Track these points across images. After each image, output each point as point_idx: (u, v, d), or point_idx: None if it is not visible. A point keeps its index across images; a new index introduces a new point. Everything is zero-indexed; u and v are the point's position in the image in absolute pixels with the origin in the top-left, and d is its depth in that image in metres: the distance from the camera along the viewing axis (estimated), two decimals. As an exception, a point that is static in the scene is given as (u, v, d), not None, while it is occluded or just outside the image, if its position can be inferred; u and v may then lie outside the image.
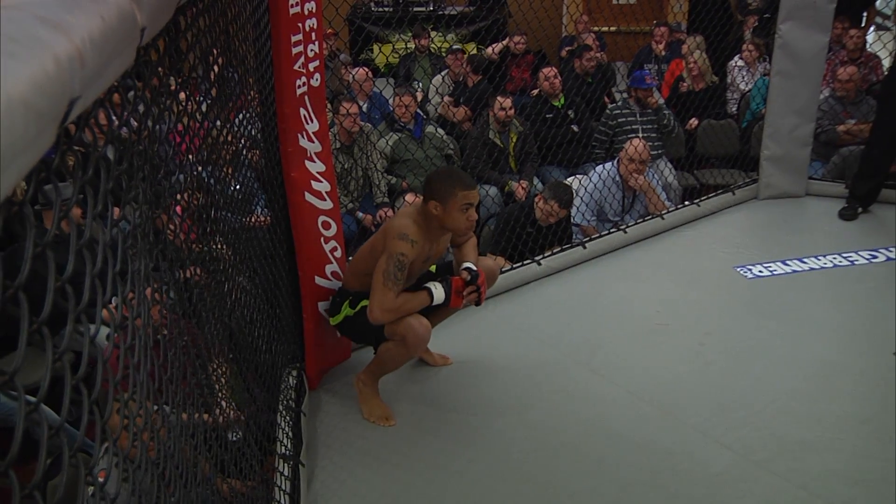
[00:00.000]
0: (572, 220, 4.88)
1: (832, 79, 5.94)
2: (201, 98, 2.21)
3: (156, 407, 1.53)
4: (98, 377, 1.07)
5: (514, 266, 4.27)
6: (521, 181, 5.57)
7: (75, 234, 0.96)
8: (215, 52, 2.28)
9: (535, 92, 6.44)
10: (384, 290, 2.92)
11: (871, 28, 7.95)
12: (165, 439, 1.54)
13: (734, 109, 6.74)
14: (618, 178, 5.03)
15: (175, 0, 1.51)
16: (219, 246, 2.37)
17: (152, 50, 1.43)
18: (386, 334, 3.05)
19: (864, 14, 7.84)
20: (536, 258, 4.32)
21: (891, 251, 4.48)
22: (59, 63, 0.78)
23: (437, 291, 3.03)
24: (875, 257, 4.43)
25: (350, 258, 3.41)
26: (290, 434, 2.87)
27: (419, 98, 6.44)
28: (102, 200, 1.09)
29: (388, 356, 3.13)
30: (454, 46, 7.85)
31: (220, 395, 2.46)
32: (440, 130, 5.83)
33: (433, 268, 3.27)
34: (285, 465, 2.65)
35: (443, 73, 7.02)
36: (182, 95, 1.87)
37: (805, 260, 4.42)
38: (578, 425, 3.13)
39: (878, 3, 8.11)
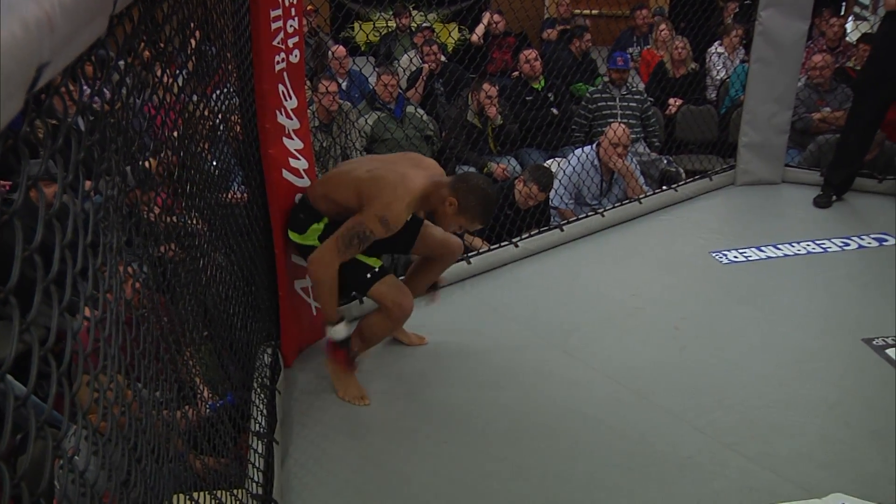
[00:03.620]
0: (550, 202, 4.89)
1: (808, 67, 5.98)
2: (177, 71, 2.18)
3: (127, 381, 1.51)
4: (68, 349, 1.06)
5: (492, 247, 4.27)
6: (501, 163, 5.56)
7: (44, 205, 0.94)
8: (192, 24, 2.24)
9: (516, 74, 6.43)
10: (335, 251, 2.90)
11: (850, 17, 8.01)
12: (137, 413, 1.52)
13: (713, 95, 6.76)
14: (596, 161, 5.04)
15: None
16: (194, 221, 2.35)
17: (126, 19, 1.41)
18: (371, 296, 3.07)
19: (844, 3, 7.88)
20: (514, 240, 4.32)
21: (863, 239, 4.52)
22: (27, 27, 0.76)
23: (338, 330, 3.07)
24: (848, 245, 4.48)
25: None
26: (265, 411, 2.86)
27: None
28: (73, 171, 1.07)
29: (371, 331, 3.13)
30: (423, 24, 7.78)
31: (193, 371, 2.44)
32: (420, 110, 5.81)
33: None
34: (259, 442, 2.64)
35: (411, 54, 6.97)
36: (157, 68, 1.84)
37: (779, 246, 4.45)
38: (553, 407, 3.14)
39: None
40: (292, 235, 3.14)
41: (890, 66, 4.62)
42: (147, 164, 1.84)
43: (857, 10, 8.30)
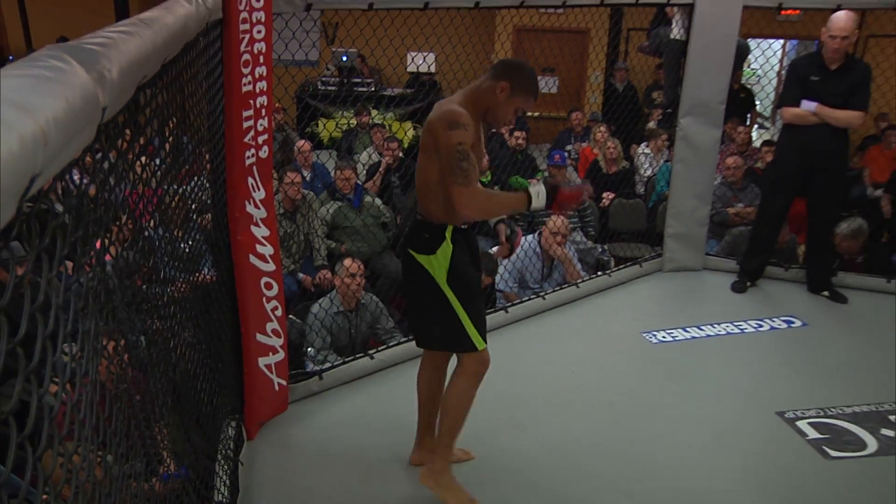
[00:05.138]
0: (496, 286, 4.92)
1: (723, 167, 6.19)
2: (157, 165, 2.19)
3: (98, 458, 1.48)
4: (44, 435, 1.04)
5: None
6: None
7: (29, 299, 0.93)
8: (171, 124, 2.27)
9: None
10: (461, 189, 2.54)
11: (755, 126, 8.37)
12: (107, 488, 1.48)
13: (642, 190, 6.94)
14: (538, 249, 5.10)
15: (136, 80, 1.50)
16: (166, 304, 2.32)
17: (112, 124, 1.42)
18: (456, 353, 2.80)
19: (749, 115, 8.23)
20: (463, 320, 4.32)
21: (774, 321, 4.62)
22: (23, 143, 0.77)
23: (539, 196, 2.65)
24: (761, 326, 4.57)
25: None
26: (228, 482, 2.79)
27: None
28: (57, 266, 1.07)
29: (459, 404, 2.81)
30: (375, 122, 7.89)
31: (161, 445, 2.38)
32: (377, 200, 5.86)
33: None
34: (222, 513, 2.56)
35: (369, 150, 7.06)
36: (138, 165, 1.85)
37: (702, 327, 4.52)
38: (496, 475, 3.12)
39: (758, 107, 8.56)
40: (420, 258, 2.75)
41: (790, 168, 4.82)
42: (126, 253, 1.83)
43: (759, 120, 8.70)
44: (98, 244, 1.50)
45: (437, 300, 2.73)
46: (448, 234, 2.73)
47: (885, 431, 3.47)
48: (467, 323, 2.72)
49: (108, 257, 1.63)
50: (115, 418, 1.59)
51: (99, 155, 1.39)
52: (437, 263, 2.72)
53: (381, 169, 6.43)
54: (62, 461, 1.13)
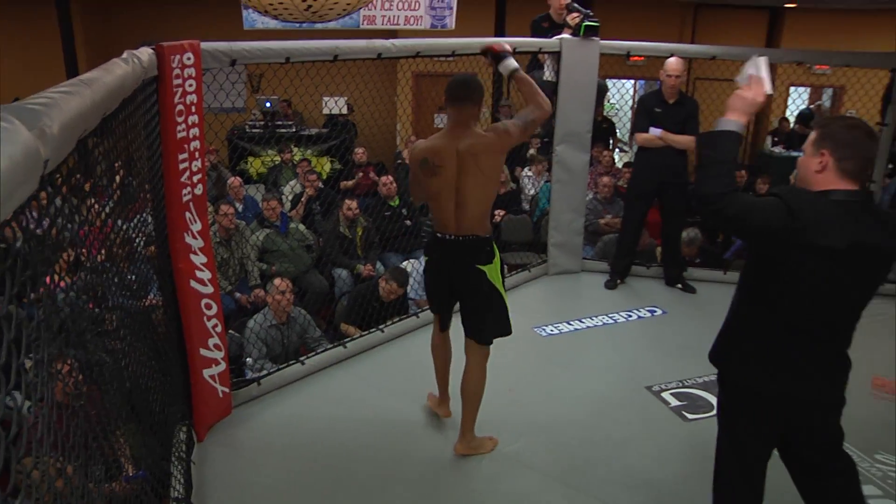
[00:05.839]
0: (408, 295, 4.93)
1: (594, 185, 6.39)
2: (105, 205, 2.12)
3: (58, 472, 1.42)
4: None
5: (363, 333, 4.24)
6: (367, 265, 5.59)
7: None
8: (117, 167, 2.21)
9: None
10: (533, 111, 2.93)
11: (616, 150, 8.70)
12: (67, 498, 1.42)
13: (527, 207, 7.08)
14: (442, 261, 5.13)
15: (77, 133, 1.46)
16: (117, 328, 2.25)
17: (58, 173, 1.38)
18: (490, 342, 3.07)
19: (611, 140, 8.53)
20: (380, 326, 4.32)
21: (641, 311, 4.80)
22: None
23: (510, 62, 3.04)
24: (631, 316, 4.74)
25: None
26: (182, 480, 2.72)
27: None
28: (7, 303, 1.03)
29: (482, 385, 3.07)
30: (297, 158, 7.82)
31: (119, 452, 2.30)
32: (301, 226, 5.79)
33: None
34: (176, 510, 2.48)
35: (292, 183, 6.98)
36: (86, 206, 1.79)
37: (583, 320, 4.63)
38: (416, 453, 3.12)
39: (618, 134, 8.91)
40: (485, 268, 2.95)
41: (644, 184, 5.03)
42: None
43: (620, 145, 9.05)
44: (48, 280, 1.45)
45: (498, 299, 3.00)
46: (495, 245, 2.98)
47: (730, 396, 3.65)
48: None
49: (62, 284, 1.58)
50: (72, 433, 1.53)
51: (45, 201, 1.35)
52: (495, 269, 2.98)
53: (303, 199, 6.36)
54: (20, 480, 1.08)
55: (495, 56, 3.10)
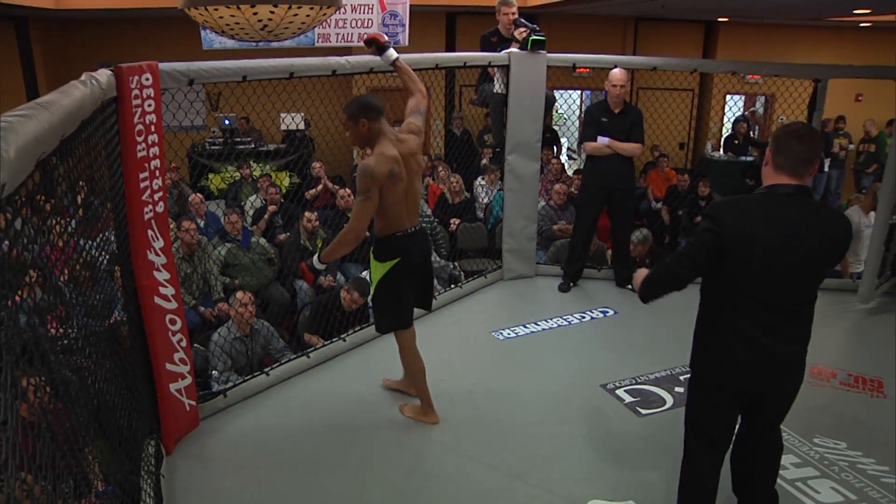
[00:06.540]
0: (369, 304, 4.91)
1: (547, 192, 6.46)
2: (68, 221, 2.09)
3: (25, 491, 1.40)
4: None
5: (326, 343, 4.23)
6: (328, 276, 5.56)
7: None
8: (79, 187, 2.18)
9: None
10: (420, 102, 3.38)
11: (565, 157, 8.82)
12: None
13: (481, 215, 7.13)
14: (402, 270, 5.13)
15: (35, 156, 1.45)
16: (83, 346, 2.21)
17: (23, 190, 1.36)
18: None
19: (556, 147, 8.66)
20: (343, 336, 4.31)
21: (593, 313, 4.89)
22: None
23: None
24: (584, 317, 4.81)
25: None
26: (152, 493, 2.68)
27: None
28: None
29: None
30: (257, 174, 7.76)
31: (88, 468, 2.25)
32: (262, 240, 5.73)
33: None
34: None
35: (252, 198, 6.91)
36: (51, 223, 1.77)
37: (539, 322, 4.69)
38: (392, 458, 3.14)
39: (566, 143, 9.06)
40: (381, 266, 3.24)
41: (593, 190, 5.12)
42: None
43: (569, 152, 9.20)
44: (10, 303, 1.43)
45: None
46: None
47: (677, 389, 3.76)
48: None
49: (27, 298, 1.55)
50: (39, 453, 1.51)
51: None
52: None
53: (265, 215, 6.31)
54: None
55: (379, 47, 3.41)
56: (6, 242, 1.41)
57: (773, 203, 2.21)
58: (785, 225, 2.18)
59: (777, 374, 2.32)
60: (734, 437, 2.53)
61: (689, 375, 2.52)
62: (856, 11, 8.12)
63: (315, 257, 3.22)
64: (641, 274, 2.49)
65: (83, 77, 2.25)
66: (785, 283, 2.22)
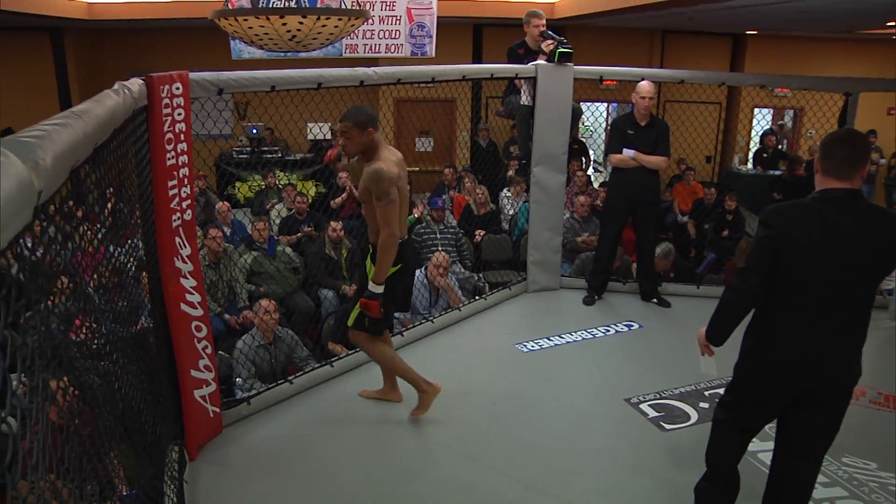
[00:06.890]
0: (393, 315, 4.90)
1: (571, 204, 6.43)
2: (98, 231, 2.11)
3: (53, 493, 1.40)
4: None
5: (350, 352, 4.23)
6: (352, 285, 5.57)
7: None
8: (109, 194, 2.21)
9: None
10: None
11: (591, 169, 8.77)
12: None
13: (506, 227, 7.11)
14: (425, 280, 5.14)
15: (69, 164, 1.46)
16: (110, 351, 2.23)
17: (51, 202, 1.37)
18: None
19: (584, 159, 8.62)
20: (367, 345, 4.29)
21: (618, 326, 4.83)
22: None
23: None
24: (609, 331, 4.76)
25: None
26: (175, 499, 2.68)
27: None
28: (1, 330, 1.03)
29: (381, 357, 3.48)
30: (283, 183, 7.82)
31: (113, 473, 2.26)
32: (288, 249, 5.77)
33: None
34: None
35: (277, 206, 6.96)
36: (79, 233, 1.78)
37: (563, 335, 4.64)
38: (402, 471, 3.11)
39: (593, 155, 9.01)
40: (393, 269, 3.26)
41: (618, 202, 5.08)
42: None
43: (595, 165, 9.15)
44: (42, 307, 1.44)
45: None
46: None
47: (702, 404, 3.69)
48: None
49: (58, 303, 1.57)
50: (67, 456, 1.52)
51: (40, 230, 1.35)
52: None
53: (299, 233, 6.33)
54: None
55: None
56: (40, 249, 1.42)
57: (823, 206, 2.25)
58: (836, 227, 2.21)
59: (826, 372, 2.27)
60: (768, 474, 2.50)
61: (726, 381, 2.52)
62: (888, 24, 7.99)
63: (370, 284, 3.20)
64: (701, 331, 2.52)
65: (116, 86, 2.28)
66: (838, 283, 2.23)
